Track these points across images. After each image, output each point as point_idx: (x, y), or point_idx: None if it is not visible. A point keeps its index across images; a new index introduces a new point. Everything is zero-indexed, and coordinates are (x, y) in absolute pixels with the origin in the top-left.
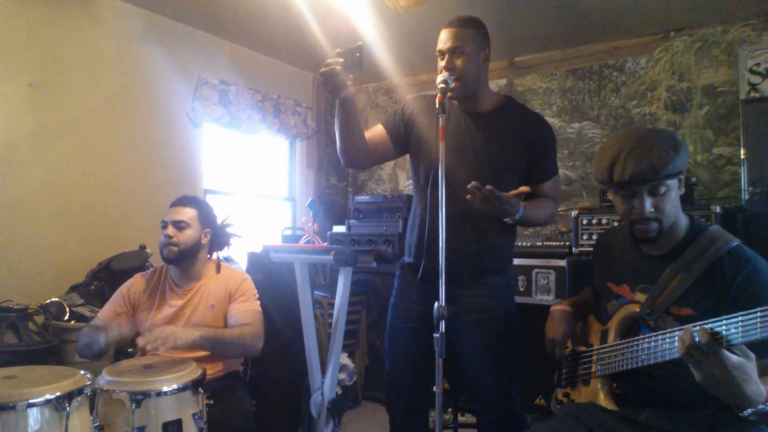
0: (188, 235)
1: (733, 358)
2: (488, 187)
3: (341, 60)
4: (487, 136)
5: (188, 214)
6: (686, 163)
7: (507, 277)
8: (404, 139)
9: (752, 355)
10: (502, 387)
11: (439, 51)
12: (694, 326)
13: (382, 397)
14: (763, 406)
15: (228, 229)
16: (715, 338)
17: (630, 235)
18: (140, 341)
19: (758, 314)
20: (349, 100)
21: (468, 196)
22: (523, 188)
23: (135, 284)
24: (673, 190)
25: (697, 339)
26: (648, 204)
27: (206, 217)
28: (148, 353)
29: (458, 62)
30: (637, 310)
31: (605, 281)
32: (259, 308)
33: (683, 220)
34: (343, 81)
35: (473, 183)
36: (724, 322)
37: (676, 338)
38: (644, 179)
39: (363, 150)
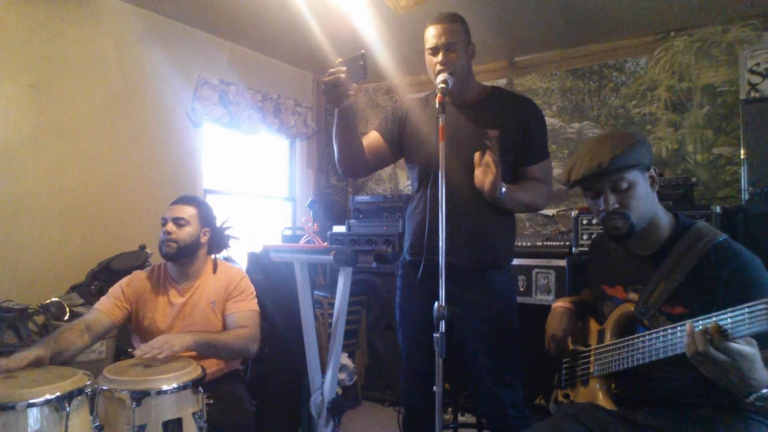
0: (187, 232)
1: (745, 349)
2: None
3: (344, 69)
4: (477, 125)
5: (188, 212)
6: (645, 157)
7: (507, 274)
8: (399, 141)
9: (755, 342)
10: (505, 378)
11: (432, 47)
12: (696, 321)
13: (382, 396)
14: (767, 390)
15: (227, 232)
16: (723, 335)
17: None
18: (138, 352)
19: (762, 305)
20: (349, 110)
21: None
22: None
23: (135, 280)
24: (639, 187)
25: (703, 346)
26: (611, 200)
27: (206, 217)
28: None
29: (452, 56)
30: (632, 308)
31: (600, 284)
32: (257, 307)
33: (665, 219)
34: (346, 91)
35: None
36: (729, 314)
37: (684, 341)
38: (594, 173)
39: (361, 159)
